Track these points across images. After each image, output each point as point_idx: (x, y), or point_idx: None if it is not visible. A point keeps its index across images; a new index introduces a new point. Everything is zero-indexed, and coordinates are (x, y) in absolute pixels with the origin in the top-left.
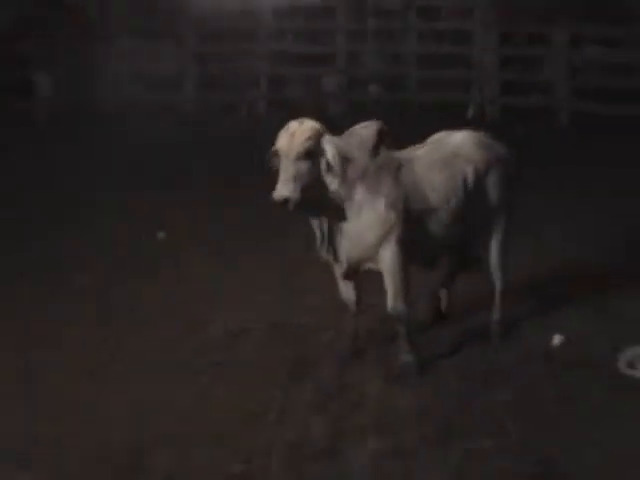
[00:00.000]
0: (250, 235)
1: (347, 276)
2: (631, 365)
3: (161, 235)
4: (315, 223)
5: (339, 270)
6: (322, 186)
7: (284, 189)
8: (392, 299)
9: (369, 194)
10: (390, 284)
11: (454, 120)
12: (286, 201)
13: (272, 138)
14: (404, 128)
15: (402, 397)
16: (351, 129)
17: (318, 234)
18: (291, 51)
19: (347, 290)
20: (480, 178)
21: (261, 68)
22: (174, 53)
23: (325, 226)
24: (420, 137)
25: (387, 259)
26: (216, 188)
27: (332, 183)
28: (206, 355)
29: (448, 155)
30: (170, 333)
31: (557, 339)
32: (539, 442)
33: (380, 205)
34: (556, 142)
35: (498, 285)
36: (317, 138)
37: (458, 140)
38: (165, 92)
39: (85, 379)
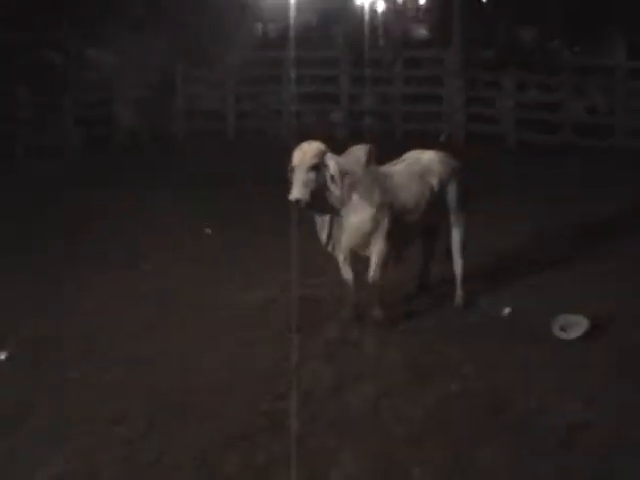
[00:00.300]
0: (275, 228)
1: (346, 260)
2: (562, 329)
3: (208, 231)
4: (319, 220)
5: (340, 256)
6: (327, 191)
7: (297, 192)
8: (373, 272)
9: (362, 199)
10: (374, 263)
11: (430, 144)
12: (298, 201)
13: (290, 155)
14: (392, 150)
15: (390, 351)
16: (349, 149)
17: (321, 228)
18: (307, 91)
19: (346, 271)
20: (443, 186)
21: (284, 104)
22: (220, 94)
23: (328, 222)
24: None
25: (376, 246)
26: (251, 190)
27: (335, 190)
28: (243, 319)
29: (420, 170)
30: (214, 301)
31: (506, 310)
32: (491, 383)
33: (372, 208)
34: (504, 161)
35: (459, 267)
36: (321, 155)
37: (427, 158)
38: (214, 122)
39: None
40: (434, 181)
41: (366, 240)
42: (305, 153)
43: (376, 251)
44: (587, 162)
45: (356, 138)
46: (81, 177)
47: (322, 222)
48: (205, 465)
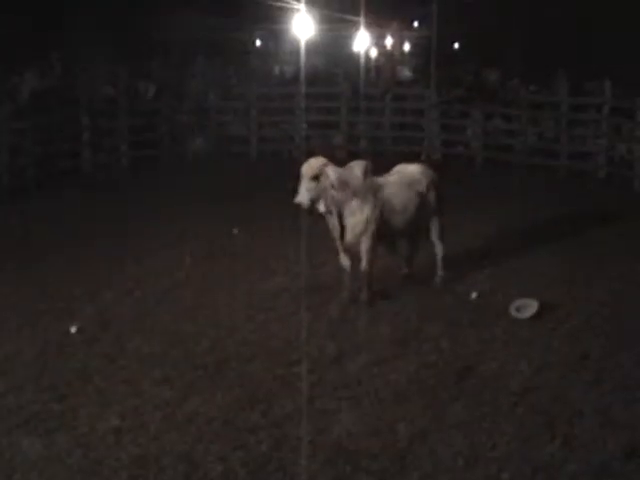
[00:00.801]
0: (288, 229)
1: (345, 252)
2: (518, 310)
3: (235, 231)
4: (331, 221)
5: (340, 248)
6: (326, 197)
7: (300, 197)
8: (364, 265)
9: (360, 204)
10: (364, 257)
11: (413, 162)
12: (300, 204)
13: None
14: (383, 167)
15: (381, 328)
16: (348, 164)
17: (333, 227)
18: (314, 119)
19: (345, 261)
20: (427, 192)
21: (295, 130)
22: (243, 121)
23: (336, 221)
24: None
25: (364, 244)
26: (270, 199)
27: (335, 195)
28: (262, 303)
29: (408, 180)
30: (239, 288)
31: (474, 294)
32: (461, 354)
33: (367, 212)
34: (472, 177)
35: (440, 254)
36: (322, 168)
37: (412, 169)
38: (239, 146)
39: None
40: (420, 188)
41: (359, 237)
42: (310, 166)
43: (365, 247)
44: (538, 177)
45: (353, 158)
46: (130, 191)
47: (333, 223)
48: (231, 420)
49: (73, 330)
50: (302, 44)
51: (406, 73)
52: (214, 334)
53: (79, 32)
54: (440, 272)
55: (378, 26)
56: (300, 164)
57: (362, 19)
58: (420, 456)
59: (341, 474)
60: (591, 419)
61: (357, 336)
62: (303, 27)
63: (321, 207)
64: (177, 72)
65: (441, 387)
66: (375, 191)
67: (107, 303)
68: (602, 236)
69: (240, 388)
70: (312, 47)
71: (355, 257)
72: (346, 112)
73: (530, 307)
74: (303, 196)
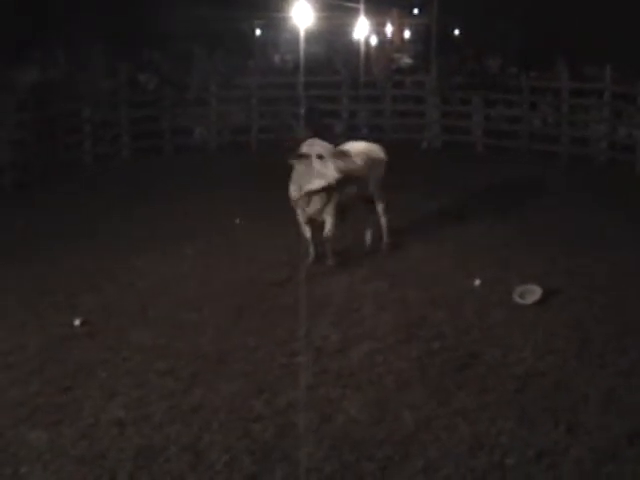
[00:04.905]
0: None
1: (307, 222)
2: (521, 296)
3: (238, 221)
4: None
5: (303, 217)
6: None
7: (335, 174)
8: (328, 230)
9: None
10: (328, 223)
11: (413, 150)
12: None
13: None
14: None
15: (384, 315)
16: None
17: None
18: (315, 108)
19: (306, 230)
20: (373, 167)
21: (296, 119)
22: (246, 112)
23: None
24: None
25: (329, 210)
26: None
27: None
28: (264, 293)
29: (360, 152)
30: (242, 279)
31: (477, 281)
32: (464, 341)
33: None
34: (474, 161)
35: (385, 229)
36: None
37: (363, 146)
38: (241, 135)
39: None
40: (369, 162)
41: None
42: (327, 146)
43: (328, 214)
44: (540, 163)
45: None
46: (132, 181)
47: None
48: (236, 410)
49: (77, 323)
50: (301, 33)
51: (406, 60)
52: (217, 324)
53: (80, 25)
54: (386, 239)
55: (377, 13)
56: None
57: (362, 6)
58: (424, 443)
59: (345, 462)
60: (595, 404)
61: (360, 324)
62: (302, 15)
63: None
64: (178, 63)
65: (445, 374)
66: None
67: (110, 295)
68: (604, 221)
69: (244, 378)
70: (312, 36)
71: (317, 226)
72: (347, 101)
73: (534, 293)
74: (335, 173)
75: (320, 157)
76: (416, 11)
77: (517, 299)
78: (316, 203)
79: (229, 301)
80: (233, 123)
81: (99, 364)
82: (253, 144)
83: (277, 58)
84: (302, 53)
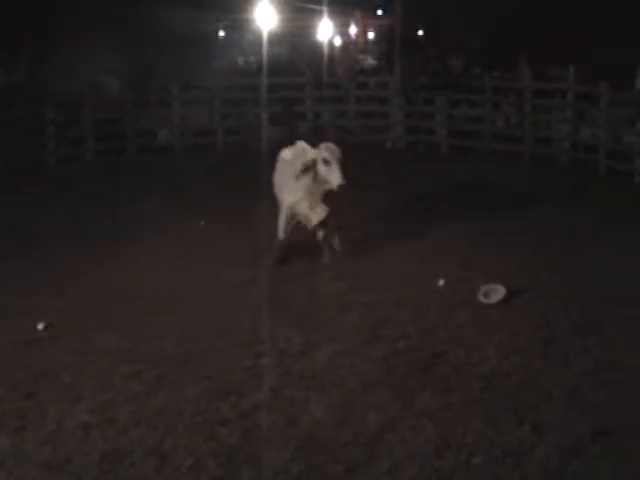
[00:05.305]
0: (253, 222)
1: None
2: (485, 296)
3: (202, 223)
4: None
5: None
6: None
7: (342, 179)
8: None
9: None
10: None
11: (378, 150)
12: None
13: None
14: (348, 155)
15: (349, 316)
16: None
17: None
18: (278, 110)
19: (286, 231)
20: None
21: (260, 121)
22: (209, 114)
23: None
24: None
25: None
26: (236, 190)
27: None
28: (230, 294)
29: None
30: (208, 280)
31: (441, 281)
32: (429, 340)
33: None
34: (439, 161)
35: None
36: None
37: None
38: (205, 137)
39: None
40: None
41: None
42: (333, 149)
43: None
44: (503, 163)
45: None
46: (97, 182)
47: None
48: (201, 413)
49: (40, 327)
50: (264, 34)
51: (370, 61)
52: (182, 327)
53: (45, 28)
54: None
55: (341, 15)
56: (264, 154)
57: (325, 8)
58: (390, 444)
59: (311, 464)
60: (559, 403)
61: (324, 326)
62: (266, 17)
63: None
64: (141, 66)
65: (410, 375)
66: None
67: (74, 298)
68: (569, 221)
69: (209, 380)
70: (275, 37)
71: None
72: (311, 102)
73: (497, 292)
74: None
75: (326, 162)
76: (380, 12)
77: (481, 299)
78: (321, 208)
79: (194, 303)
80: (196, 125)
81: (63, 368)
82: (218, 146)
83: (241, 60)
84: (265, 55)
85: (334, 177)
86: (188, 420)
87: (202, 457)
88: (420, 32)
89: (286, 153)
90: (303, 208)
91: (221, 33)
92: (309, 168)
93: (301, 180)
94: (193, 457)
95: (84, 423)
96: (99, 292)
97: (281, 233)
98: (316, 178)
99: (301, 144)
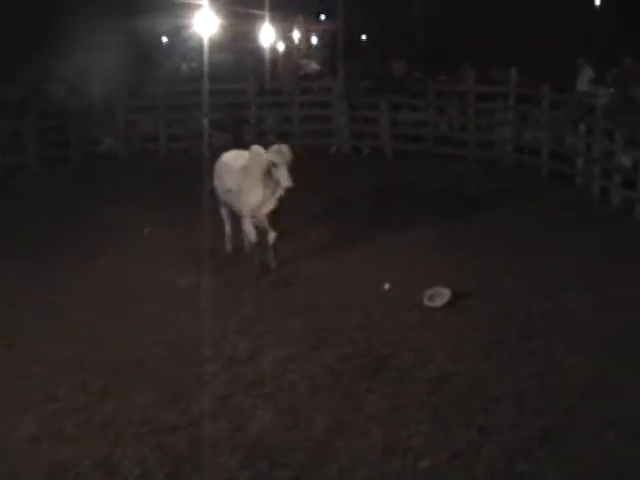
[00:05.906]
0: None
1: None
2: (430, 299)
3: (147, 230)
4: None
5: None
6: None
7: (290, 182)
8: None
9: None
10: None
11: (322, 155)
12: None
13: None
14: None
15: (295, 322)
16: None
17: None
18: (222, 116)
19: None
20: None
21: (204, 127)
22: (153, 119)
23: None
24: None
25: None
26: (181, 196)
27: None
28: (178, 301)
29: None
30: (156, 287)
31: (387, 285)
32: (376, 344)
33: None
34: (383, 165)
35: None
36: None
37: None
38: (150, 144)
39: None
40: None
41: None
42: (285, 153)
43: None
44: (447, 167)
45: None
46: (43, 191)
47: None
48: (149, 422)
49: None
50: (205, 40)
51: (313, 66)
52: (129, 336)
53: None
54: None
55: (284, 20)
56: (207, 159)
57: (267, 13)
58: (338, 449)
59: (260, 470)
60: (506, 405)
61: (270, 331)
62: (206, 23)
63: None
64: (84, 72)
65: (357, 379)
66: None
67: (22, 309)
68: (513, 224)
69: (156, 389)
70: (217, 44)
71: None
72: (254, 108)
73: (443, 295)
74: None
75: (274, 165)
76: (323, 17)
77: (427, 302)
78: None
79: (140, 311)
80: (141, 132)
81: (10, 379)
82: (161, 152)
83: (184, 66)
84: (206, 61)
85: (282, 180)
86: (135, 430)
87: (149, 467)
88: (363, 37)
89: (227, 157)
90: (264, 208)
91: (164, 39)
92: (270, 171)
93: (263, 182)
94: (140, 467)
95: (31, 435)
96: (47, 303)
97: (252, 237)
98: (272, 179)
99: (256, 148)
